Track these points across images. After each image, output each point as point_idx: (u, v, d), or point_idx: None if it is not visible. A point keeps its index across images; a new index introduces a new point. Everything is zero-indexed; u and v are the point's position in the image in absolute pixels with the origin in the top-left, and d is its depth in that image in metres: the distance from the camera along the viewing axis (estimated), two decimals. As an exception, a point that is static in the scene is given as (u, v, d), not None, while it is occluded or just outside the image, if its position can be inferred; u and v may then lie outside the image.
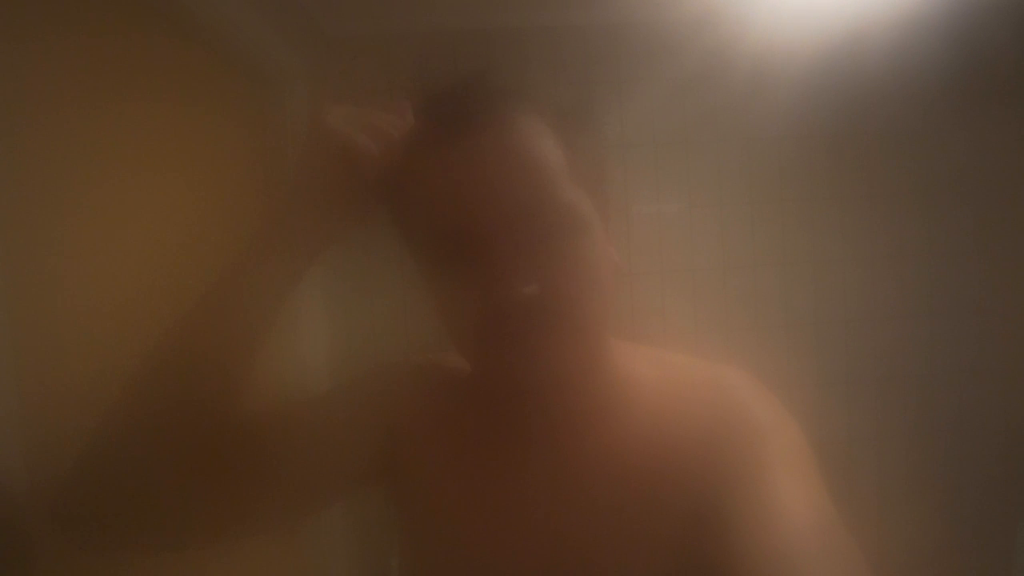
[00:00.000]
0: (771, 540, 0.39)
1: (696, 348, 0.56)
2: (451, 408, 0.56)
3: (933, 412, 1.51)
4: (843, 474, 0.53)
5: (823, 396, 1.43)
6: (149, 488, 0.45)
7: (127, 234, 0.73)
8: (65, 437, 0.46)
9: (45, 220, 0.59)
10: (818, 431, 0.52)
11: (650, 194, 1.47)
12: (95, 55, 0.70)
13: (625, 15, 1.39)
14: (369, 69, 1.37)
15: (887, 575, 0.41)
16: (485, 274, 0.43)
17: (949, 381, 1.51)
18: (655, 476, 0.48)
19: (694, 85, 1.37)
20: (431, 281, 0.48)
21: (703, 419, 0.49)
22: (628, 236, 1.44)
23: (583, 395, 0.50)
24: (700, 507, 0.45)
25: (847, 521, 0.41)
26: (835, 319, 1.50)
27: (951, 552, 1.37)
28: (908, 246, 1.50)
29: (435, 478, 0.54)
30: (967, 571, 1.49)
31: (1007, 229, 1.50)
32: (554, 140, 0.45)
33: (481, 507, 0.52)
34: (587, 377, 0.49)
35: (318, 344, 1.30)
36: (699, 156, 1.46)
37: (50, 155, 0.61)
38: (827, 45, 1.32)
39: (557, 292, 0.43)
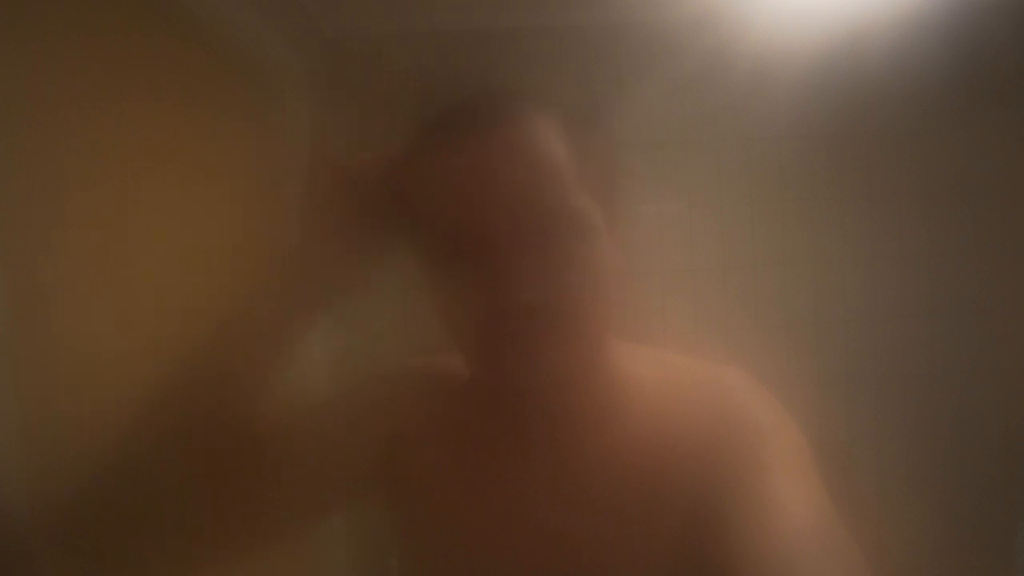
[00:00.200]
0: (771, 540, 0.39)
1: (696, 348, 0.56)
2: (450, 411, 0.56)
3: (933, 412, 1.51)
4: (843, 474, 0.53)
5: (823, 396, 1.43)
6: (152, 510, 0.46)
7: (127, 234, 0.73)
8: (68, 462, 0.47)
9: (45, 220, 0.59)
10: (818, 431, 0.52)
11: (650, 194, 1.47)
12: (95, 55, 0.70)
13: (625, 15, 1.39)
14: (369, 69, 1.37)
15: (887, 575, 0.41)
16: (491, 276, 0.43)
17: (949, 381, 1.51)
18: (655, 476, 0.48)
19: (694, 85, 1.37)
20: (436, 281, 0.48)
21: (703, 420, 0.49)
22: (628, 236, 1.44)
23: (584, 396, 0.50)
24: (700, 507, 0.45)
25: (847, 521, 0.41)
26: (835, 319, 1.50)
27: (951, 552, 1.37)
28: (908, 246, 1.50)
29: (435, 480, 0.54)
30: (967, 571, 1.49)
31: (1007, 229, 1.50)
32: (565, 143, 0.45)
33: (481, 508, 0.52)
34: (588, 378, 0.49)
35: (318, 345, 1.30)
36: (699, 156, 1.46)
37: (50, 155, 0.61)
38: (827, 45, 1.32)
39: (562, 296, 0.43)
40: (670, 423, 0.50)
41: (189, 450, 0.47)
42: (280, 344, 0.51)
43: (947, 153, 1.47)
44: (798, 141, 1.46)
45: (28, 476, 0.52)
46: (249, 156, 1.15)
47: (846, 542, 0.40)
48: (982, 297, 1.51)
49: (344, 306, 0.53)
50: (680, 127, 1.45)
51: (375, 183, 0.50)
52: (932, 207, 1.50)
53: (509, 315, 0.42)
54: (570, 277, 0.44)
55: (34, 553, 0.50)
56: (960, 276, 1.50)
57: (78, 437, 0.59)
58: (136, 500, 0.45)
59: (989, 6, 1.30)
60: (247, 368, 0.50)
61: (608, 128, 1.35)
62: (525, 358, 0.44)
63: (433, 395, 0.58)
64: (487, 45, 1.38)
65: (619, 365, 0.52)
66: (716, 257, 1.48)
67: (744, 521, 0.41)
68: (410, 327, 1.39)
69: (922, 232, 1.50)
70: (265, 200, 1.19)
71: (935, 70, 1.38)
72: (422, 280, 0.49)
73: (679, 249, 1.47)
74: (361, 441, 0.56)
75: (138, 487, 0.45)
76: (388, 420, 0.57)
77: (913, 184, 1.49)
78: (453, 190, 0.44)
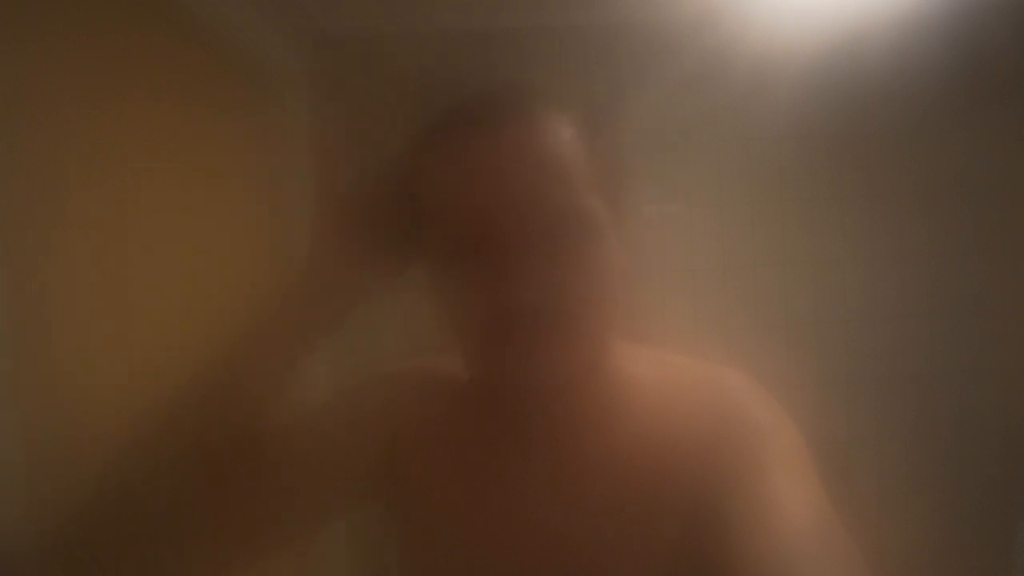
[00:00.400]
0: (770, 540, 0.39)
1: (696, 348, 0.56)
2: (450, 411, 0.56)
3: (933, 412, 1.51)
4: (843, 474, 0.53)
5: (823, 396, 1.43)
6: (153, 519, 0.45)
7: (127, 234, 0.73)
8: (68, 462, 0.46)
9: (45, 220, 0.59)
10: (818, 431, 0.52)
11: (650, 194, 1.47)
12: (95, 55, 0.70)
13: (625, 15, 1.39)
14: (369, 69, 1.37)
15: (886, 575, 0.41)
16: (497, 275, 0.43)
17: (949, 381, 1.51)
18: (655, 477, 0.48)
19: (694, 85, 1.37)
20: (441, 279, 0.48)
21: (703, 420, 0.49)
22: (630, 236, 1.44)
23: (585, 396, 0.50)
24: (700, 507, 0.45)
25: (847, 521, 0.41)
26: (835, 319, 1.50)
27: (951, 552, 1.37)
28: (908, 246, 1.50)
29: (435, 480, 0.54)
30: (967, 571, 1.48)
31: (1007, 229, 1.50)
32: (575, 143, 0.45)
33: (481, 508, 0.52)
34: (590, 378, 0.49)
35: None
36: (699, 156, 1.46)
37: (50, 155, 0.61)
38: (827, 45, 1.32)
39: (567, 296, 0.44)
40: (670, 423, 0.50)
41: (190, 458, 0.47)
42: (287, 364, 0.52)
43: (947, 153, 1.47)
44: (798, 141, 1.46)
45: (28, 476, 0.52)
46: (249, 156, 1.15)
47: (845, 542, 0.40)
48: (982, 297, 1.51)
49: (351, 322, 0.53)
50: (680, 127, 1.45)
51: (379, 211, 0.51)
52: (932, 207, 1.50)
53: (514, 314, 0.42)
54: (576, 278, 0.44)
55: (33, 559, 0.50)
56: (960, 276, 1.50)
57: (79, 437, 0.59)
58: (137, 509, 0.45)
59: (989, 6, 1.30)
60: (253, 383, 0.50)
61: (616, 128, 1.35)
62: (528, 358, 0.44)
63: (433, 396, 0.58)
64: (487, 45, 1.38)
65: (620, 366, 0.52)
66: (716, 257, 1.48)
67: (744, 521, 0.41)
68: (410, 327, 1.39)
69: (922, 232, 1.50)
70: (265, 200, 1.19)
71: (935, 70, 1.38)
72: (427, 278, 0.49)
73: (679, 249, 1.47)
74: (361, 442, 0.56)
75: (139, 496, 0.45)
76: (388, 421, 0.57)
77: (913, 184, 1.49)
78: (462, 187, 0.44)
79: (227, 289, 0.97)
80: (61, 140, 0.62)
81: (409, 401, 0.58)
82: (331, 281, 0.51)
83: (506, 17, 1.38)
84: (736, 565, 0.40)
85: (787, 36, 1.31)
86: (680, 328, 1.45)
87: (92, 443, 0.56)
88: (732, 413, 0.49)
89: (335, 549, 1.33)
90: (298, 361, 0.52)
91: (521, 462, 0.52)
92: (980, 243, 1.50)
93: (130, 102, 0.75)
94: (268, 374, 0.51)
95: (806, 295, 1.49)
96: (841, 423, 1.49)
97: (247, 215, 1.12)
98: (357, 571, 1.37)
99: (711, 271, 1.48)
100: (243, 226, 1.10)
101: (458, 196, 0.44)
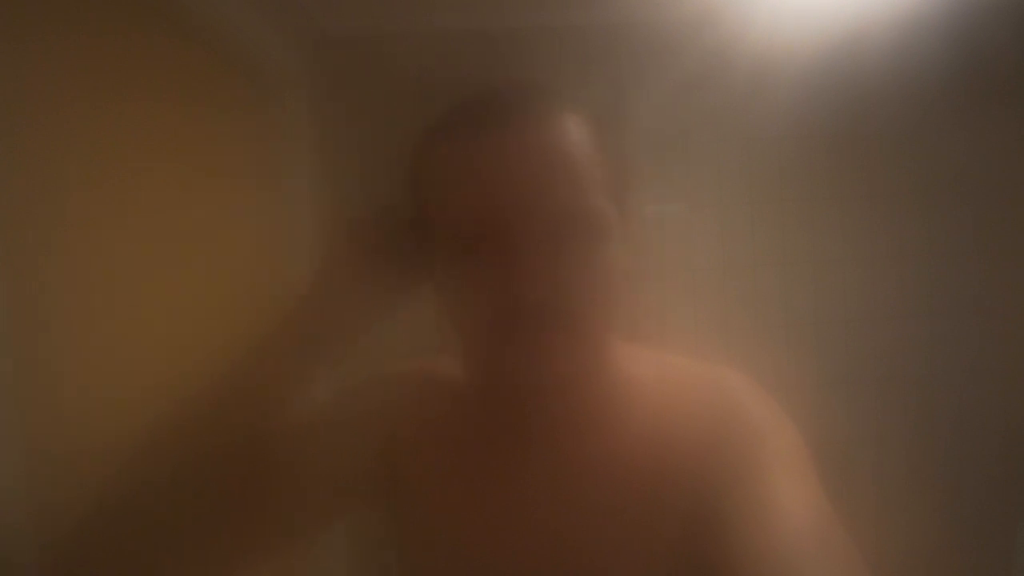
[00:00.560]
0: (770, 540, 0.39)
1: (696, 348, 0.56)
2: (450, 413, 0.56)
3: (933, 412, 1.51)
4: (843, 474, 0.53)
5: (823, 396, 1.43)
6: (152, 533, 0.45)
7: (128, 234, 0.73)
8: (68, 463, 0.46)
9: (45, 220, 0.59)
10: (818, 431, 0.52)
11: (650, 194, 1.47)
12: (95, 55, 0.70)
13: (625, 15, 1.39)
14: (369, 69, 1.37)
15: (886, 575, 0.41)
16: (502, 272, 0.43)
17: (949, 381, 1.51)
18: (655, 477, 0.48)
19: (694, 85, 1.37)
20: (446, 275, 0.47)
21: (703, 420, 0.49)
22: (632, 237, 1.44)
23: (586, 397, 0.50)
24: (699, 508, 0.45)
25: (847, 521, 0.41)
26: (835, 319, 1.50)
27: (951, 552, 1.37)
28: (908, 246, 1.50)
29: (435, 481, 0.54)
30: (967, 571, 1.48)
31: (1007, 229, 1.50)
32: (587, 143, 0.45)
33: (481, 509, 0.52)
34: (591, 379, 0.49)
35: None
36: (699, 156, 1.46)
37: (50, 155, 0.61)
38: (827, 45, 1.32)
39: (571, 296, 0.44)
40: (670, 424, 0.50)
41: (190, 463, 0.47)
42: (293, 379, 0.52)
43: (947, 153, 1.47)
44: (798, 141, 1.46)
45: (28, 476, 0.52)
46: (249, 156, 1.15)
47: (844, 542, 0.40)
48: (982, 297, 1.51)
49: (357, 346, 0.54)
50: (680, 127, 1.45)
51: (389, 235, 0.51)
52: (932, 207, 1.50)
53: (517, 313, 0.42)
54: (581, 278, 0.44)
55: (34, 560, 0.50)
56: (960, 276, 1.50)
57: (79, 437, 0.59)
58: (137, 516, 0.45)
59: (989, 6, 1.30)
60: (258, 397, 0.50)
61: (630, 130, 1.35)
62: (530, 357, 0.44)
63: (432, 397, 0.58)
64: (487, 45, 1.38)
65: (621, 366, 0.52)
66: (716, 257, 1.48)
67: (743, 521, 0.41)
68: (410, 327, 1.39)
69: (922, 232, 1.50)
70: (265, 200, 1.19)
71: (935, 70, 1.38)
72: (431, 274, 0.49)
73: (679, 249, 1.47)
74: (359, 443, 0.56)
75: (139, 502, 0.45)
76: (386, 421, 0.57)
77: (913, 184, 1.49)
78: (470, 184, 0.44)
79: (227, 289, 0.97)
80: (61, 140, 0.62)
81: (408, 402, 0.58)
82: (339, 302, 0.52)
83: (506, 17, 1.38)
84: (735, 565, 0.40)
85: (787, 36, 1.31)
86: (680, 328, 1.45)
87: (92, 443, 0.56)
88: (732, 413, 0.49)
89: (335, 549, 1.33)
90: (305, 376, 0.53)
91: (521, 462, 0.52)
92: (980, 243, 1.50)
93: (130, 102, 0.75)
94: (273, 388, 0.51)
95: (806, 295, 1.49)
96: (841, 423, 1.49)
97: (247, 215, 1.12)
98: (357, 571, 1.37)
99: (711, 271, 1.48)
100: (243, 226, 1.10)
101: (465, 193, 0.44)
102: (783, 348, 1.44)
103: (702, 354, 0.55)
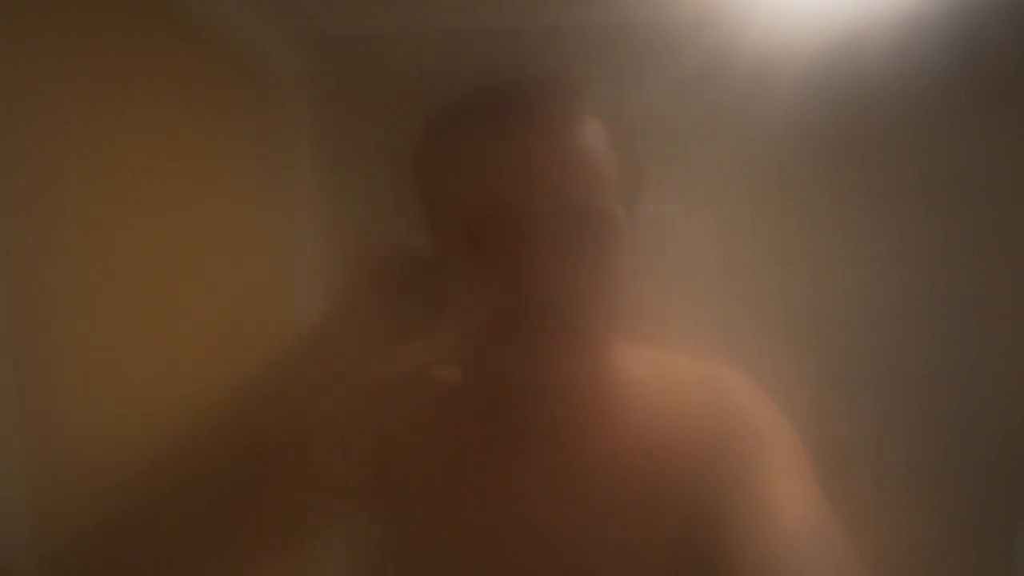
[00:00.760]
0: (768, 541, 0.39)
1: (696, 348, 0.56)
2: (448, 414, 0.56)
3: (933, 412, 1.51)
4: (842, 474, 0.53)
5: (823, 396, 1.43)
6: (152, 551, 0.45)
7: (127, 234, 0.73)
8: (68, 463, 0.46)
9: (45, 220, 0.59)
10: (818, 431, 0.52)
11: (650, 194, 1.46)
12: (95, 55, 0.70)
13: (625, 15, 1.39)
14: (369, 69, 1.37)
15: (886, 575, 0.41)
16: (509, 269, 0.42)
17: (949, 381, 1.51)
18: (655, 477, 0.48)
19: (694, 85, 1.37)
20: (452, 269, 0.47)
21: (702, 420, 0.49)
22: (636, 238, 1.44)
23: (586, 397, 0.50)
24: (699, 508, 0.45)
25: (847, 521, 0.41)
26: (835, 319, 1.50)
27: (951, 552, 1.37)
28: (908, 246, 1.50)
29: (434, 482, 0.54)
30: (967, 571, 1.48)
31: (1007, 229, 1.50)
32: (605, 145, 0.45)
33: (481, 509, 0.52)
34: (591, 379, 0.49)
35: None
36: (699, 156, 1.46)
37: (50, 155, 0.61)
38: (827, 45, 1.32)
39: (577, 296, 0.43)
40: (670, 424, 0.50)
41: (188, 474, 0.47)
42: (299, 405, 0.52)
43: (947, 153, 1.47)
44: (798, 141, 1.46)
45: (28, 476, 0.52)
46: (249, 156, 1.15)
47: (843, 542, 0.40)
48: (982, 297, 1.51)
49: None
50: (680, 127, 1.45)
51: (404, 275, 0.51)
52: (932, 207, 1.50)
53: (523, 313, 0.42)
54: (588, 278, 0.44)
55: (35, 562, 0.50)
56: (960, 276, 1.50)
57: (79, 437, 0.59)
58: (135, 527, 0.45)
59: (989, 6, 1.30)
60: (263, 418, 0.50)
61: (646, 134, 1.35)
62: (532, 357, 0.44)
63: (432, 398, 0.58)
64: (488, 45, 1.38)
65: (621, 366, 0.52)
66: (716, 257, 1.48)
67: (742, 522, 0.41)
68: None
69: (922, 232, 1.50)
70: (265, 200, 1.19)
71: (935, 70, 1.38)
72: (439, 270, 0.49)
73: (679, 249, 1.47)
74: (360, 447, 0.56)
75: (137, 513, 0.45)
76: (385, 424, 0.56)
77: (913, 184, 1.49)
78: (488, 177, 0.43)
79: (227, 289, 0.97)
80: (61, 140, 0.62)
81: (408, 403, 0.58)
82: (354, 333, 0.52)
83: (507, 17, 1.38)
84: (734, 565, 0.40)
85: (787, 36, 1.31)
86: (680, 328, 1.45)
87: (93, 443, 0.56)
88: (731, 414, 0.49)
89: (335, 549, 1.33)
90: (313, 397, 0.52)
91: (521, 462, 0.52)
92: (980, 243, 1.50)
93: (130, 102, 0.75)
94: (280, 408, 0.51)
95: (806, 295, 1.49)
96: (841, 423, 1.49)
97: (247, 215, 1.12)
98: (357, 571, 1.37)
99: (711, 271, 1.48)
100: (243, 226, 1.10)
101: (479, 187, 0.44)
102: (783, 348, 1.44)
103: (702, 354, 0.55)
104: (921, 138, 1.47)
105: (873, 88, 1.42)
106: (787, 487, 0.43)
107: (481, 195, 0.44)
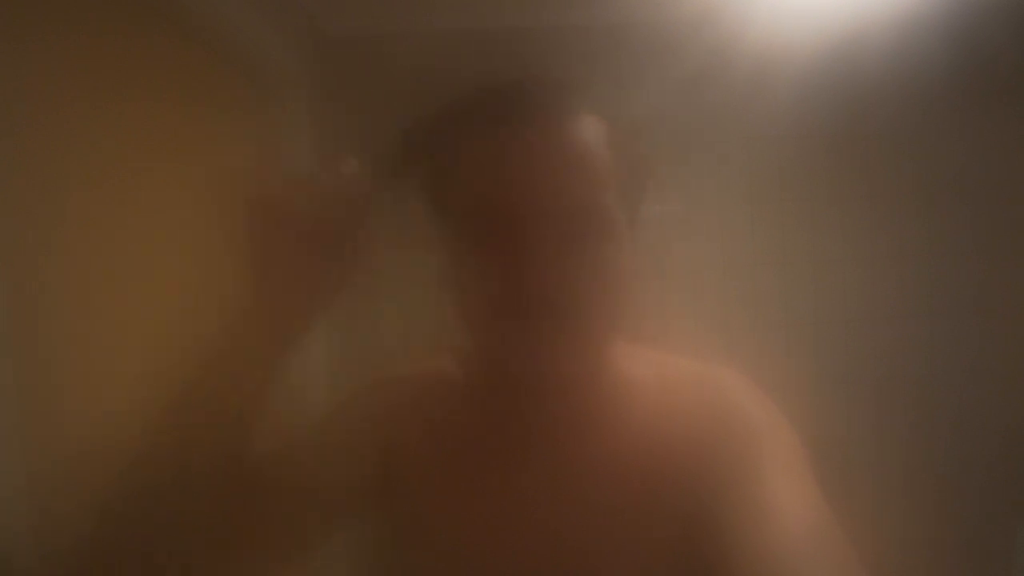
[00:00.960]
0: (767, 541, 0.39)
1: (696, 348, 0.56)
2: (448, 415, 0.56)
3: (933, 412, 1.51)
4: (842, 474, 0.53)
5: (822, 396, 1.43)
6: (155, 551, 0.45)
7: (127, 234, 0.73)
8: (68, 462, 0.46)
9: (45, 220, 0.59)
10: (817, 431, 0.52)
11: (650, 194, 1.46)
12: (95, 55, 0.70)
13: (625, 15, 1.39)
14: (369, 69, 1.37)
15: (885, 575, 0.41)
16: (512, 266, 0.42)
17: (949, 381, 1.51)
18: (654, 477, 0.48)
19: (694, 85, 1.37)
20: (455, 265, 0.47)
21: (701, 420, 0.49)
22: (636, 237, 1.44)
23: (586, 397, 0.50)
24: (698, 507, 0.45)
25: (846, 521, 0.41)
26: (835, 319, 1.50)
27: (951, 552, 1.37)
28: (908, 246, 1.50)
29: (435, 482, 0.54)
30: (967, 571, 1.48)
31: (1007, 229, 1.50)
32: (608, 144, 0.45)
33: (481, 509, 0.52)
34: (591, 379, 0.49)
35: (317, 347, 1.30)
36: (699, 156, 1.46)
37: (50, 155, 0.61)
38: (827, 45, 1.32)
39: (578, 294, 0.44)
40: (669, 423, 0.50)
41: (187, 474, 0.46)
42: (265, 365, 0.50)
43: (947, 153, 1.47)
44: (798, 141, 1.46)
45: (28, 476, 0.52)
46: (249, 156, 1.15)
47: (842, 542, 0.40)
48: (982, 297, 1.50)
49: (342, 309, 0.52)
50: (680, 127, 1.44)
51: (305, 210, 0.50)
52: (932, 207, 1.50)
53: (524, 311, 0.42)
54: (589, 276, 0.44)
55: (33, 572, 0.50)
56: (960, 276, 1.50)
57: (78, 436, 0.59)
58: (137, 525, 0.44)
59: (989, 6, 1.30)
60: (237, 386, 0.49)
61: (650, 133, 1.35)
62: (533, 356, 0.44)
63: (432, 398, 0.58)
64: (487, 45, 1.38)
65: (621, 366, 0.52)
66: (716, 257, 1.48)
67: (741, 521, 0.41)
68: (410, 327, 1.39)
69: (922, 232, 1.50)
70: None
71: (935, 70, 1.38)
72: (441, 267, 0.49)
73: (679, 249, 1.47)
74: (361, 448, 0.56)
75: (138, 513, 0.44)
76: (386, 426, 0.56)
77: (913, 184, 1.49)
78: (493, 174, 0.43)
79: (227, 289, 0.97)
80: (61, 140, 0.62)
81: (408, 404, 0.58)
82: (274, 295, 0.51)
83: (507, 17, 1.38)
84: (733, 565, 0.40)
85: (787, 36, 1.31)
86: (680, 328, 1.45)
87: (92, 443, 0.56)
88: (730, 413, 0.49)
89: (334, 550, 1.33)
90: (278, 359, 0.51)
91: (521, 462, 0.52)
92: (980, 243, 1.50)
93: (130, 102, 0.75)
94: (249, 376, 0.50)
95: (806, 295, 1.49)
96: (840, 423, 1.49)
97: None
98: (357, 571, 1.37)
99: (711, 271, 1.47)
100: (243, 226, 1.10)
101: (484, 183, 0.44)
102: (783, 348, 1.44)
103: (702, 354, 0.55)
104: (921, 138, 1.47)
105: (873, 88, 1.42)
106: (786, 487, 0.43)
107: (481, 195, 0.44)
